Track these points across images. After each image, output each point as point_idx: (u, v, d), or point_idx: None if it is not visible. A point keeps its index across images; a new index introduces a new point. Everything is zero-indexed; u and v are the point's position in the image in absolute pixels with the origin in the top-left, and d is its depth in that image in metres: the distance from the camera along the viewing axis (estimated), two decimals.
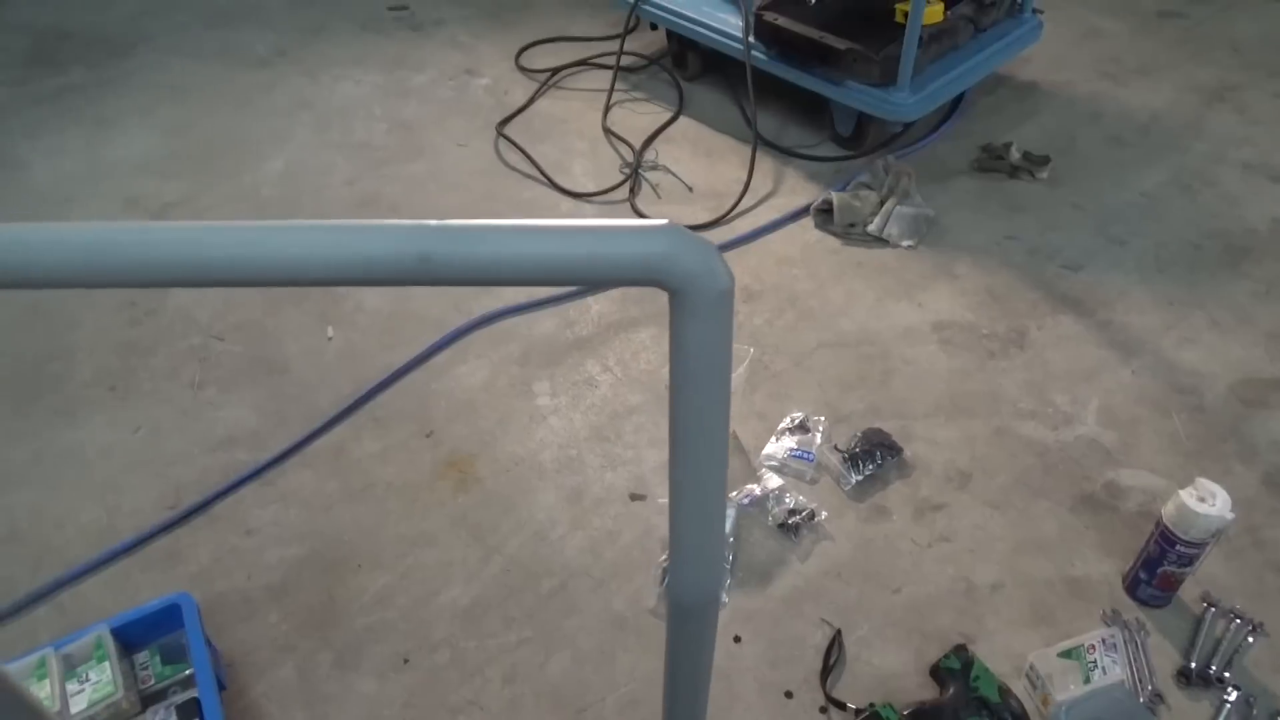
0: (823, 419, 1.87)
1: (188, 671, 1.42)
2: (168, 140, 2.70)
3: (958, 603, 1.60)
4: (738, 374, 1.74)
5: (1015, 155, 2.50)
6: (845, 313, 2.14)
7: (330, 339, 2.08)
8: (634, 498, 1.76)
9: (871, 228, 2.31)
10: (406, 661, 1.53)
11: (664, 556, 1.64)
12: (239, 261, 0.45)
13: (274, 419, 1.91)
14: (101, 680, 1.35)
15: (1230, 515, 1.44)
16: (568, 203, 2.48)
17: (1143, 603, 1.59)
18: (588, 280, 0.45)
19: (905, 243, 2.30)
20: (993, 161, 2.52)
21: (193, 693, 1.38)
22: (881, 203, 2.34)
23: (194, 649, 1.40)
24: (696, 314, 0.44)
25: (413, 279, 0.44)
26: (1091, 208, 2.42)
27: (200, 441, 1.87)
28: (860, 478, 1.76)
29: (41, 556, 1.68)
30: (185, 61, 3.07)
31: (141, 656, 1.44)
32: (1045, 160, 2.50)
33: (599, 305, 2.17)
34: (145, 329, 2.12)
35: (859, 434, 1.83)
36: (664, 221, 0.45)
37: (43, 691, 1.33)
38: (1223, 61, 3.01)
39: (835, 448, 1.81)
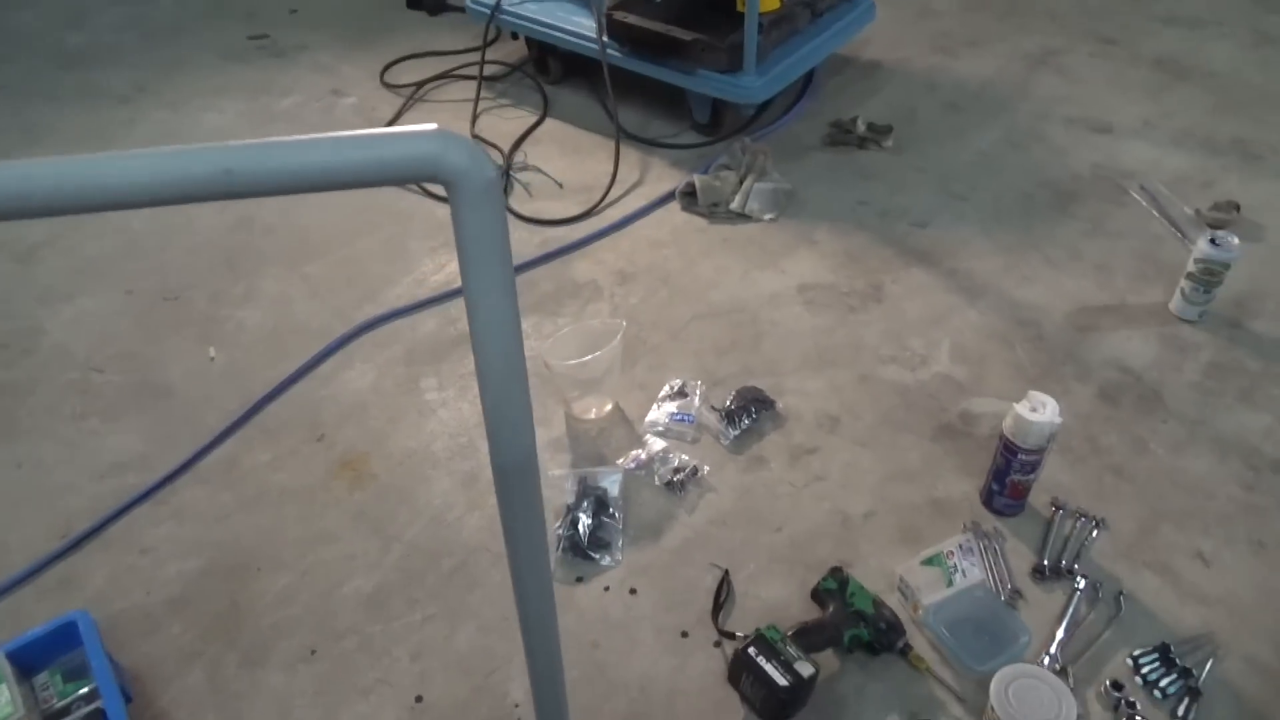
0: (700, 383, 1.98)
1: (90, 687, 1.42)
2: None
3: (835, 533, 1.72)
4: (612, 347, 1.83)
5: (861, 128, 2.68)
6: (715, 285, 2.26)
7: (213, 359, 2.10)
8: None
9: (734, 205, 2.44)
10: (314, 653, 1.56)
11: (558, 524, 1.71)
12: (70, 191, 0.51)
13: (162, 441, 1.91)
14: (0, 703, 1.35)
15: (1058, 420, 1.60)
16: (443, 208, 2.54)
17: (999, 513, 1.73)
18: (378, 180, 0.53)
19: (767, 216, 2.44)
20: (842, 135, 2.69)
21: (97, 703, 1.38)
22: (741, 181, 2.48)
23: (94, 662, 1.41)
24: (471, 201, 0.53)
25: (222, 192, 0.51)
26: (934, 169, 2.61)
27: (87, 470, 1.86)
28: (737, 432, 1.87)
29: None
30: (42, 104, 3.02)
31: (41, 678, 1.44)
32: (888, 130, 2.68)
33: None
34: (20, 369, 2.09)
35: (734, 393, 1.94)
36: (433, 126, 0.53)
37: None
38: (1044, 29, 3.27)
39: (712, 407, 1.92)
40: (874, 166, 2.63)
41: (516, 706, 1.48)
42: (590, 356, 1.81)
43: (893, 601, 1.58)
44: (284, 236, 2.47)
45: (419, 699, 1.49)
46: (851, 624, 1.51)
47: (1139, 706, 1.43)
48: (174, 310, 2.24)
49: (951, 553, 1.58)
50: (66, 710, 1.41)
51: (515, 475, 0.64)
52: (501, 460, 0.63)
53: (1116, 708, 1.43)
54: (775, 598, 1.61)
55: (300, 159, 0.52)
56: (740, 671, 1.45)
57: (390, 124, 2.85)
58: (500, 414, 0.62)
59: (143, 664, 1.55)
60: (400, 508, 1.78)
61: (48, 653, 1.45)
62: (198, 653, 1.57)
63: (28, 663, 1.44)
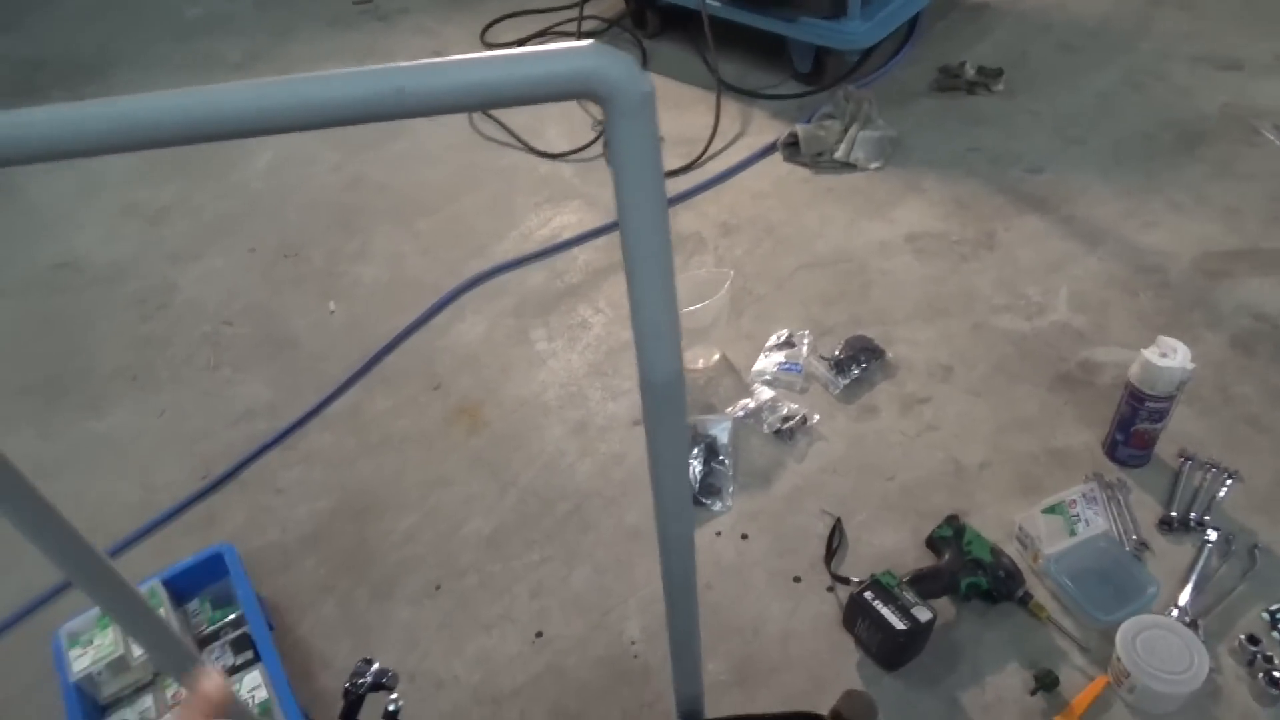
0: (807, 333, 1.97)
1: (236, 614, 1.52)
2: (154, 150, 2.79)
3: (948, 483, 1.69)
4: (719, 296, 1.83)
5: (970, 72, 2.59)
6: (821, 235, 2.23)
7: (332, 312, 2.18)
8: (636, 423, 1.86)
9: (838, 154, 2.40)
10: (438, 588, 1.63)
11: None
12: (253, 114, 0.54)
13: (289, 390, 2.01)
14: (105, 644, 1.45)
15: (1190, 366, 1.54)
16: (545, 164, 2.57)
17: (1122, 463, 1.68)
18: (540, 97, 0.54)
19: (872, 165, 2.39)
20: (950, 80, 2.60)
21: (244, 629, 1.48)
22: (845, 130, 2.43)
23: (239, 591, 1.50)
24: (627, 114, 0.54)
25: (395, 111, 0.54)
26: (1048, 113, 2.51)
27: (222, 417, 1.97)
28: (847, 381, 1.86)
29: (89, 533, 1.77)
30: (160, 74, 3.16)
31: (193, 605, 1.55)
32: (999, 73, 2.58)
33: (585, 255, 2.26)
34: (157, 323, 2.22)
35: (842, 342, 1.92)
36: (590, 42, 0.55)
37: (106, 638, 1.43)
38: None
39: (821, 357, 1.91)
40: (984, 112, 2.54)
41: (633, 644, 1.52)
42: (698, 305, 1.82)
43: (1011, 551, 1.55)
44: (394, 195, 2.53)
45: (539, 634, 1.55)
46: (969, 571, 1.49)
47: (1276, 661, 1.38)
48: (294, 266, 2.34)
49: (1074, 502, 1.54)
50: (215, 635, 1.51)
51: (664, 391, 0.65)
52: (653, 376, 0.64)
53: (1252, 662, 1.38)
54: (888, 545, 1.61)
55: (467, 77, 0.54)
56: (855, 615, 1.45)
57: None
58: (652, 329, 0.63)
59: (280, 595, 1.64)
60: (514, 454, 1.83)
61: (197, 582, 1.56)
62: (330, 586, 1.65)
63: (180, 591, 1.54)
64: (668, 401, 0.66)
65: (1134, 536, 1.56)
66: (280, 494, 1.81)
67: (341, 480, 1.82)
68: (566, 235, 2.31)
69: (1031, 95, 2.57)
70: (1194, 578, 1.49)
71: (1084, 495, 1.56)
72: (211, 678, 0.63)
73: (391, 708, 1.09)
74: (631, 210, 0.57)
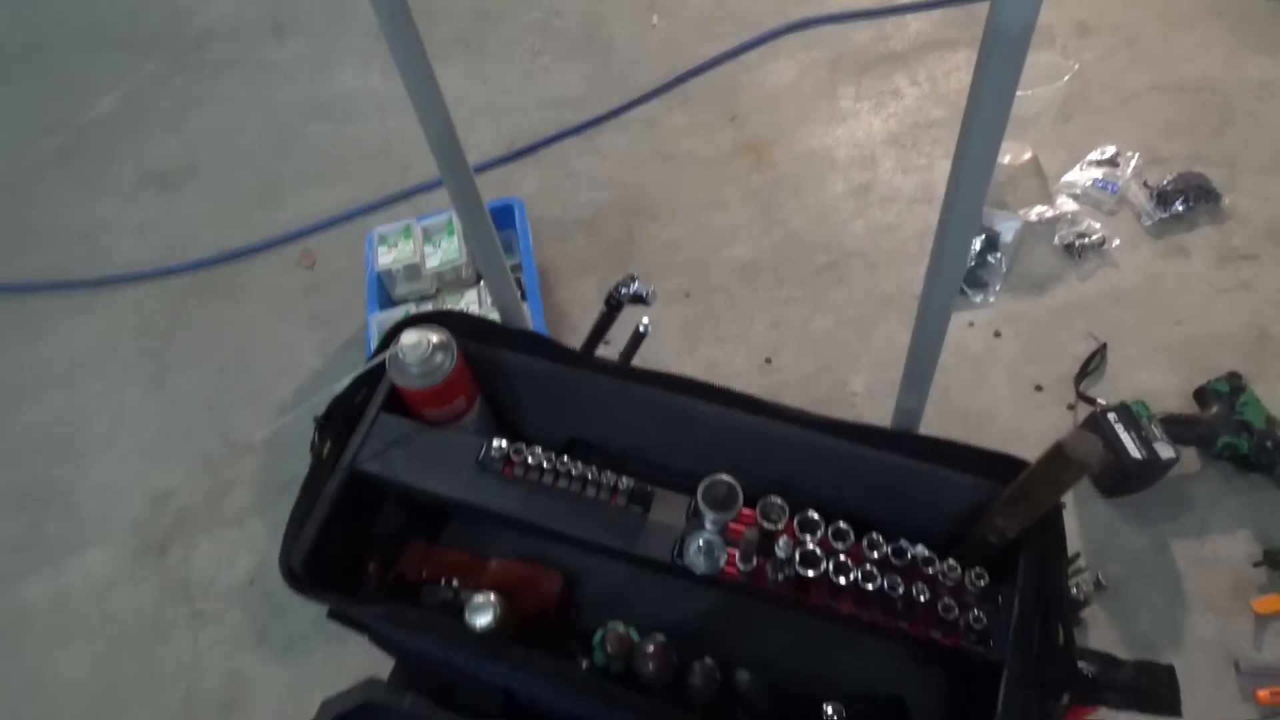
0: (1136, 156, 1.78)
1: (515, 261, 1.69)
2: None
3: (1243, 347, 1.54)
4: (1053, 87, 1.68)
5: None
6: (1190, 59, 1.96)
7: (654, 26, 2.21)
8: (918, 202, 1.80)
9: None
10: (687, 295, 1.73)
11: None
12: None
13: (598, 88, 2.10)
14: (450, 248, 1.66)
15: None
16: None
17: None
18: None
19: None
20: None
21: (518, 275, 1.65)
22: None
23: (521, 240, 1.67)
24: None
25: None
26: None
27: (534, 98, 2.10)
28: (1164, 215, 1.69)
29: (406, 168, 2.02)
30: None
31: None
32: None
33: (918, 23, 2.12)
34: (494, 1, 2.35)
35: (1174, 175, 1.73)
36: None
37: (407, 247, 1.65)
38: None
39: (1144, 184, 1.73)
40: None
41: (854, 395, 1.56)
42: (1026, 91, 1.68)
43: None
44: None
45: (768, 360, 1.62)
46: (1232, 431, 1.38)
47: None
48: None
49: None
50: None
51: (1009, 44, 0.62)
52: (1003, 21, 0.61)
53: None
54: (1151, 385, 1.51)
55: None
56: (1089, 432, 1.40)
57: None
58: None
59: (551, 263, 1.80)
60: (790, 198, 1.85)
61: None
62: (593, 267, 1.79)
63: None
64: (1009, 57, 0.62)
65: None
66: (569, 177, 1.95)
67: (625, 180, 1.92)
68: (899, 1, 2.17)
69: None
70: None
71: None
72: None
73: (642, 329, 1.20)
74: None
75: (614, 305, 1.19)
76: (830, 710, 0.89)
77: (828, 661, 1.01)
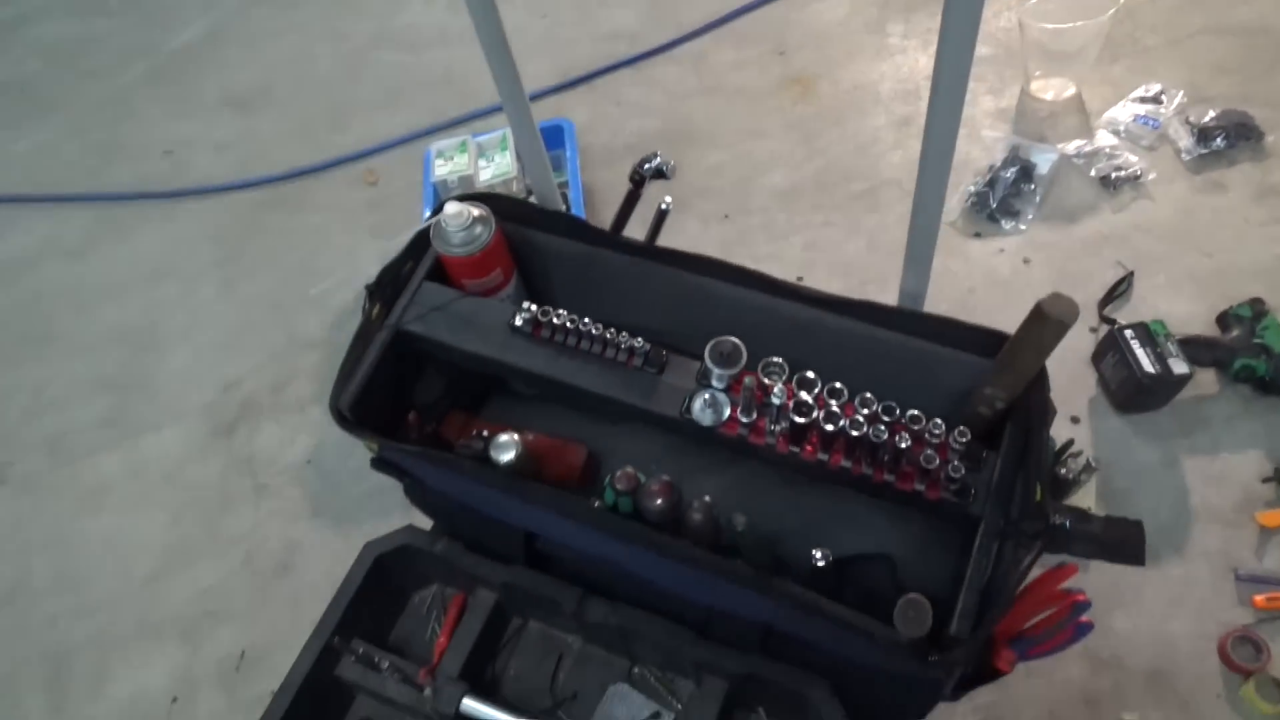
0: (1181, 94, 1.79)
1: (563, 179, 1.78)
2: None
3: (1273, 280, 1.55)
4: (1098, 21, 1.70)
5: None
6: (1246, 2, 1.95)
7: None
8: None
9: None
10: (726, 217, 1.80)
11: (975, 180, 1.73)
12: None
13: (651, 24, 2.17)
14: (503, 163, 1.76)
15: None
16: None
17: None
18: None
19: None
20: None
21: (564, 190, 1.74)
22: None
23: (569, 157, 1.75)
24: None
25: None
26: None
27: (590, 33, 2.19)
28: (1204, 151, 1.70)
29: (466, 96, 2.12)
30: None
31: None
32: None
33: None
34: None
35: (1218, 111, 1.73)
36: None
37: (462, 160, 1.75)
38: None
39: (1187, 120, 1.74)
40: None
41: None
42: (1068, 24, 1.70)
43: None
44: None
45: (800, 278, 1.68)
46: (1251, 354, 1.40)
47: None
48: None
49: None
50: None
51: None
52: None
53: None
54: (1175, 313, 1.53)
55: None
56: (1107, 350, 1.44)
57: None
58: None
59: (596, 184, 1.89)
60: (832, 129, 1.90)
61: None
62: None
63: None
64: None
65: None
66: (619, 106, 2.03)
67: (673, 109, 2.00)
68: None
69: None
70: None
71: None
72: None
73: (664, 206, 1.28)
74: None
75: (638, 182, 1.27)
76: (819, 555, 0.97)
77: (819, 528, 1.08)
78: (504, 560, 1.16)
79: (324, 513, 1.58)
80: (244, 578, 1.53)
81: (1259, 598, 1.24)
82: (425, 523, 1.28)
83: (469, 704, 1.07)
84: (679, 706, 1.14)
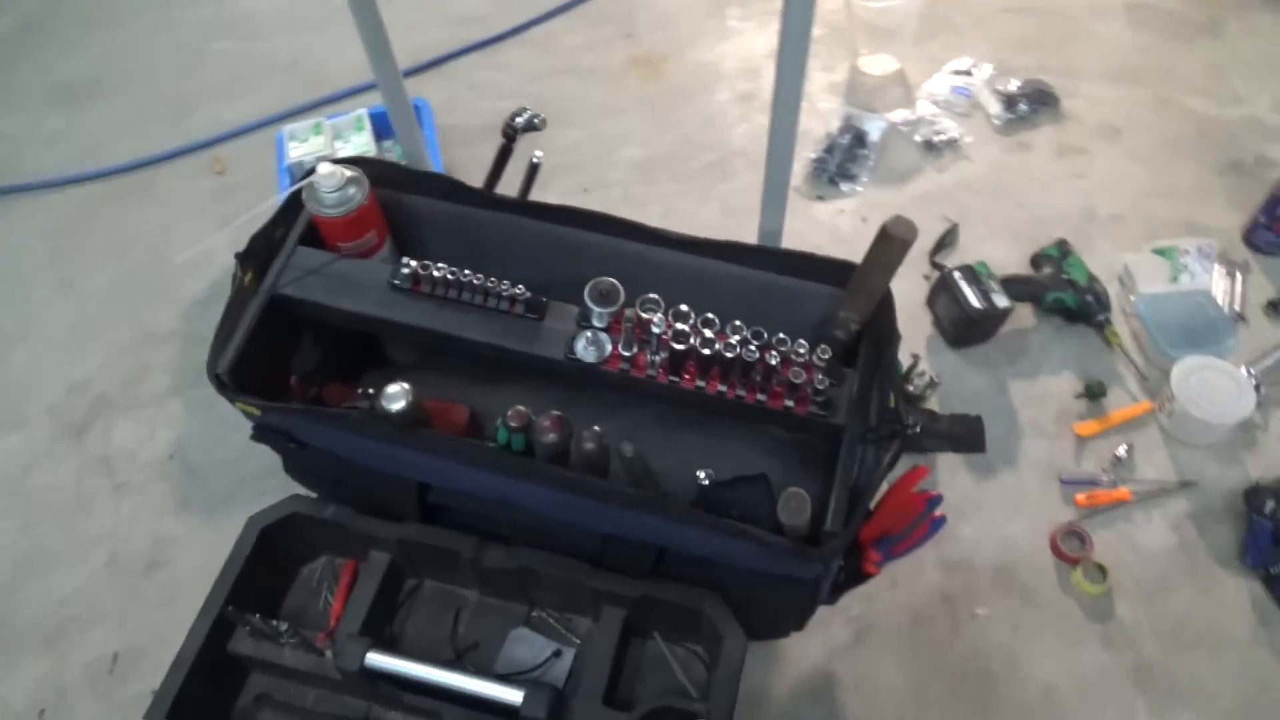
0: (990, 66, 1.98)
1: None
2: None
3: (1076, 224, 1.75)
4: (919, 1, 1.86)
5: None
6: None
7: None
8: None
9: None
10: (586, 191, 1.86)
11: (816, 149, 1.86)
12: None
13: (501, 8, 2.20)
14: (360, 142, 1.75)
15: None
16: None
17: (1256, 249, 1.69)
18: None
19: None
20: None
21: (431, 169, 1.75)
22: None
23: (427, 134, 1.76)
24: None
25: None
26: None
27: (439, 16, 2.20)
28: (1011, 117, 1.89)
29: (314, 83, 2.09)
30: None
31: (387, 143, 1.83)
32: None
33: None
34: None
35: (1020, 81, 1.93)
36: None
37: (318, 142, 1.74)
38: None
39: (995, 90, 1.93)
40: None
41: None
42: (893, 3, 1.86)
43: (1112, 290, 1.62)
44: None
45: None
46: (1060, 288, 1.58)
47: None
48: None
49: (1186, 251, 1.59)
50: None
51: None
52: None
53: None
54: (996, 257, 1.70)
55: None
56: (939, 292, 1.58)
57: None
58: None
59: (458, 164, 1.90)
60: (682, 105, 1.99)
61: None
62: None
63: (381, 128, 1.82)
64: None
65: (1235, 307, 1.60)
66: (473, 89, 2.05)
67: (527, 90, 2.04)
68: None
69: None
70: (1276, 354, 1.53)
71: (1199, 250, 1.60)
72: None
73: (535, 159, 1.33)
74: None
75: (510, 136, 1.31)
76: (703, 474, 1.04)
77: (701, 463, 1.15)
78: (397, 519, 1.18)
79: (192, 506, 1.53)
80: (109, 579, 1.47)
81: (1080, 496, 1.41)
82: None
83: (373, 658, 1.08)
84: (578, 642, 1.19)
